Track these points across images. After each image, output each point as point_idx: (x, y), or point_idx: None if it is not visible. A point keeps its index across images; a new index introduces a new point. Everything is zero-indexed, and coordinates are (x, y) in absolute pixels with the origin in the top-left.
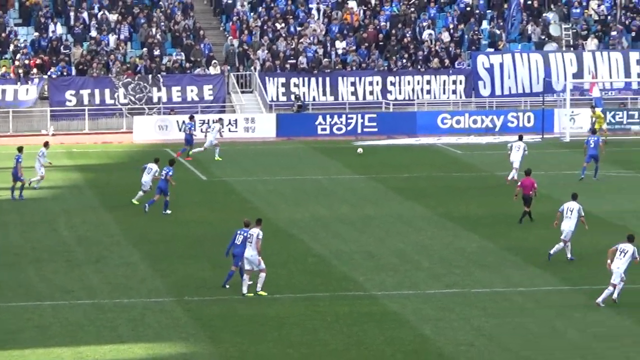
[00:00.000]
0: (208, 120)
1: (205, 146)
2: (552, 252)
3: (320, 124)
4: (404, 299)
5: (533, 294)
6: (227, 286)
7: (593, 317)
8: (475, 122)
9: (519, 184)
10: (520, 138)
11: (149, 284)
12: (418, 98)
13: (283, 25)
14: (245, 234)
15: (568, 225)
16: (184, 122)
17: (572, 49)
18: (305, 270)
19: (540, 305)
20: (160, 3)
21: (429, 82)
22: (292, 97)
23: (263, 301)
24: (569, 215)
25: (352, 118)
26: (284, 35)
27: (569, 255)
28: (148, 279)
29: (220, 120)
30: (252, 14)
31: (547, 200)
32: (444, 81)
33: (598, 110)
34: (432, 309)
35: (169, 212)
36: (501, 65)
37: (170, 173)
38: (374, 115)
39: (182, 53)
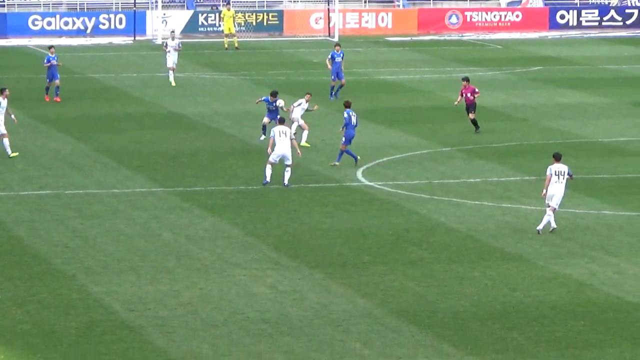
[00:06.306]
0: None
1: None
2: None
3: None
4: None
5: (126, 195)
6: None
7: (187, 219)
8: (67, 23)
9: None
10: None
11: None
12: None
13: None
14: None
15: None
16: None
17: None
18: None
19: (134, 207)
20: None
21: None
22: None
23: None
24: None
25: None
26: None
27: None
28: None
29: None
30: None
31: (138, 102)
32: None
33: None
34: (26, 211)
35: None
36: None
37: None
38: None
39: None
